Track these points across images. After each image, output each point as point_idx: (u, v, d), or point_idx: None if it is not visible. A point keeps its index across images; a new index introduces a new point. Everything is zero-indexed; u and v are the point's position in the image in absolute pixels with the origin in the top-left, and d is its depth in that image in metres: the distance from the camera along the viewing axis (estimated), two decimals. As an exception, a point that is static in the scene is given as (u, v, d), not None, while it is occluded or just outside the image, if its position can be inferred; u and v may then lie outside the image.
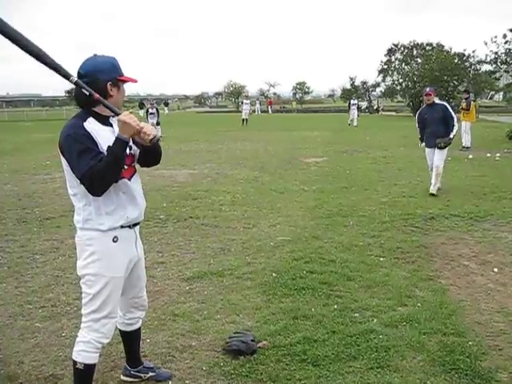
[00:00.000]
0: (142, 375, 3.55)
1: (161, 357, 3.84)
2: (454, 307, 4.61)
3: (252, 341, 3.87)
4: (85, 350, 3.06)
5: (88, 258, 2.97)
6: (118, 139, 2.78)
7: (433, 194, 9.59)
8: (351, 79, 64.33)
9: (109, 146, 2.78)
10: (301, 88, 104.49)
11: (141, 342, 3.63)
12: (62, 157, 2.87)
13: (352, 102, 35.60)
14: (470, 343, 3.93)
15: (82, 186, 2.81)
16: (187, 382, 3.51)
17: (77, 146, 2.76)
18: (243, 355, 3.76)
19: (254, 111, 51.13)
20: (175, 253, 6.37)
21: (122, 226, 2.99)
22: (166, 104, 73.58)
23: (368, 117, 50.02)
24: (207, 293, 5.09)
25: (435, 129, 9.76)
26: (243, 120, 34.85)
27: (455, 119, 9.80)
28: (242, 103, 41.16)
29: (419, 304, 4.68)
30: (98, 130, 2.87)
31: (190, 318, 4.50)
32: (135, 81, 3.05)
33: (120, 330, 3.48)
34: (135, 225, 3.12)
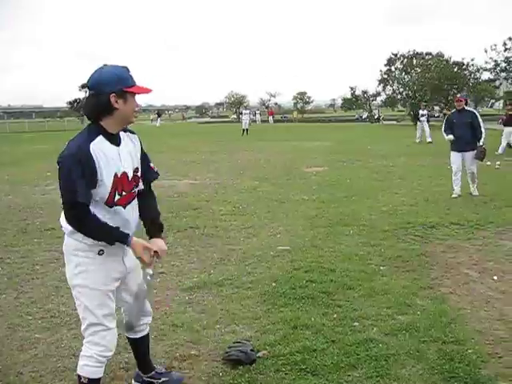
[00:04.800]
0: (155, 381, 3.54)
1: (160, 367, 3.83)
2: (454, 315, 4.60)
3: (251, 350, 3.86)
4: (88, 365, 3.01)
5: (75, 268, 2.93)
6: (123, 239, 2.87)
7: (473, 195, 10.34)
8: (352, 89, 64.51)
9: (112, 229, 2.81)
10: (301, 98, 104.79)
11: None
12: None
13: (421, 112, 27.24)
14: (470, 351, 3.91)
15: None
16: (186, 391, 3.51)
17: (74, 169, 2.68)
18: (242, 365, 3.75)
19: (254, 121, 51.21)
20: (175, 263, 6.38)
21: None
22: (159, 115, 65.61)
23: (369, 126, 50.09)
24: (207, 303, 5.08)
25: (463, 133, 10.23)
26: (243, 130, 34.96)
27: (483, 127, 10.27)
28: (242, 114, 41.23)
29: (419, 312, 4.67)
30: (103, 150, 2.79)
31: (189, 328, 4.49)
32: (147, 91, 2.94)
33: (128, 338, 3.47)
34: None
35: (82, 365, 3.04)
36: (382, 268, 5.98)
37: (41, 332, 4.52)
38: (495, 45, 36.33)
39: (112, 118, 2.83)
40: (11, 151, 25.63)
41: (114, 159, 2.84)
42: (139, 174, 3.07)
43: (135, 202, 3.10)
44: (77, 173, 2.68)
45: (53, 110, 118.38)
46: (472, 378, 3.52)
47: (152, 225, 3.20)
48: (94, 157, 2.74)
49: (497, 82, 39.53)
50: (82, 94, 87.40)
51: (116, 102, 2.80)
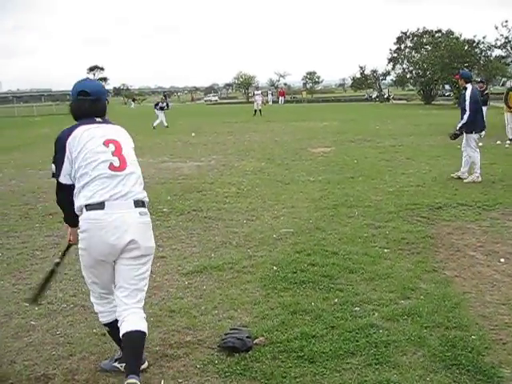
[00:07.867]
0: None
1: (155, 355, 3.75)
2: (458, 300, 4.47)
3: (248, 337, 3.77)
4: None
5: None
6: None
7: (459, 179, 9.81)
8: (361, 68, 63.65)
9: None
10: (311, 78, 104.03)
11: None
12: None
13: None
14: (473, 337, 3.79)
15: None
16: (180, 380, 3.41)
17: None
18: (238, 352, 3.65)
19: (267, 101, 51.07)
20: (176, 247, 6.29)
21: None
22: (134, 100, 74.24)
23: (378, 106, 49.64)
24: (206, 287, 4.99)
25: (461, 114, 9.87)
26: (255, 111, 34.73)
27: (467, 111, 9.67)
28: (254, 94, 40.95)
29: (422, 297, 4.55)
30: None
31: (186, 313, 4.40)
32: None
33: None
34: None
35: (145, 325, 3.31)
36: (385, 251, 5.85)
37: (37, 319, 4.46)
38: (506, 21, 35.65)
39: None
40: (18, 135, 25.64)
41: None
42: None
43: None
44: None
45: (62, 93, 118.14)
46: (474, 366, 3.40)
47: None
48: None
49: (508, 59, 38.84)
50: (91, 77, 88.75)
51: None
